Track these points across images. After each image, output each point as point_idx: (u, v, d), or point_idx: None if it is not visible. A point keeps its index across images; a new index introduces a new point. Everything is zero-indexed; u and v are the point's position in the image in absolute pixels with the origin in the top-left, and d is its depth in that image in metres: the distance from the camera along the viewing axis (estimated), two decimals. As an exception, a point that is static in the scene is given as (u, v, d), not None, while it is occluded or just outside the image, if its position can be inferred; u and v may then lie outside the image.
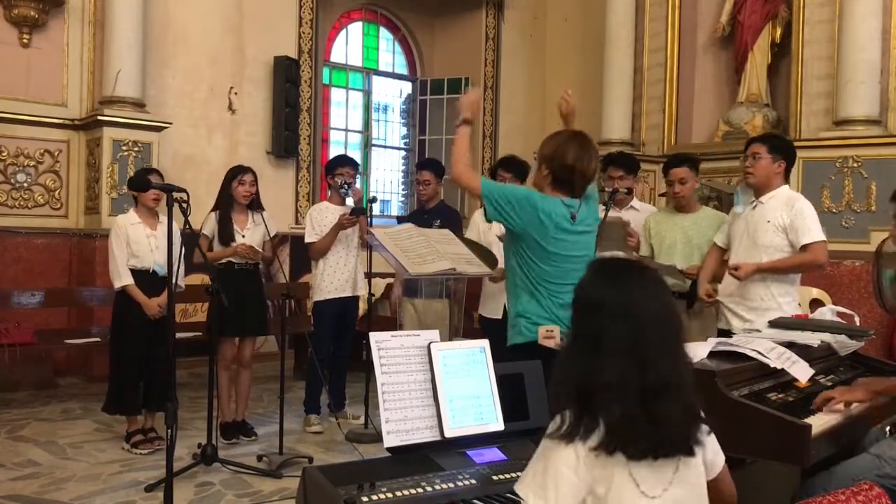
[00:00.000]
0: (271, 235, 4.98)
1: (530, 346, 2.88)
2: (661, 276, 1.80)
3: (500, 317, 4.65)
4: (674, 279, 4.14)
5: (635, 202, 4.90)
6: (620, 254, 4.40)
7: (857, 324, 3.65)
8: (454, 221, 5.23)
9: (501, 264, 4.35)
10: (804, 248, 3.75)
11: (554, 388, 1.68)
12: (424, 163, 5.77)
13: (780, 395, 2.57)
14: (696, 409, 1.64)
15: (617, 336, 1.60)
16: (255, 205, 4.95)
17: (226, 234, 4.82)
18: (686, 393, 1.62)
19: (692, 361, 1.73)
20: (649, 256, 4.50)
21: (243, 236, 4.86)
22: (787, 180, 3.96)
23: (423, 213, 5.32)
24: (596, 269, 1.74)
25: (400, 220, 5.62)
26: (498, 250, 4.52)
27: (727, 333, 3.74)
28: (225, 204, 4.88)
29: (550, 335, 2.87)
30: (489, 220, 3.18)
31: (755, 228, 3.85)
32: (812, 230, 3.75)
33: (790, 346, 2.84)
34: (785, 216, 3.78)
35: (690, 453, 1.63)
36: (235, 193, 4.87)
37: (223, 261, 4.79)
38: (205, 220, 4.91)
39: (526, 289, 2.99)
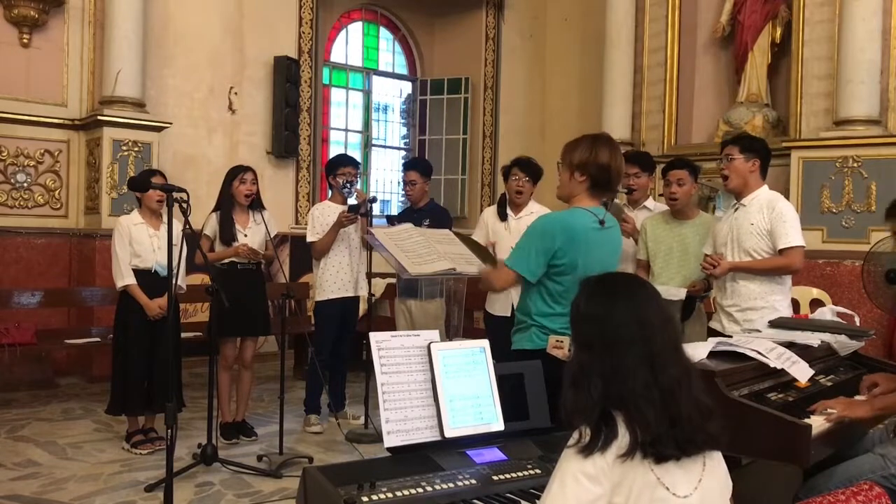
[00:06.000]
0: (272, 235, 4.98)
1: (537, 354, 2.85)
2: (648, 283, 1.85)
3: (508, 314, 4.62)
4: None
5: (649, 202, 4.83)
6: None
7: (857, 324, 3.64)
8: (444, 220, 5.22)
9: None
10: (781, 252, 3.74)
11: (572, 402, 1.67)
12: (410, 163, 5.73)
13: (780, 395, 2.57)
14: (709, 405, 1.68)
15: (633, 344, 1.64)
16: (255, 204, 4.96)
17: (227, 234, 4.82)
18: (696, 390, 1.66)
19: (692, 361, 1.75)
20: (644, 260, 4.47)
21: (245, 235, 4.86)
22: (764, 179, 3.92)
23: (412, 213, 5.32)
24: (593, 286, 1.78)
25: (389, 218, 5.59)
26: (502, 248, 4.52)
27: (718, 334, 3.74)
28: (226, 204, 4.88)
29: (559, 345, 2.85)
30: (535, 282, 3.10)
31: (739, 232, 3.84)
32: (790, 235, 3.72)
33: (790, 346, 2.84)
34: (766, 219, 3.77)
35: (715, 446, 1.67)
36: (237, 193, 4.87)
37: (226, 261, 4.79)
38: (206, 220, 4.90)
39: (544, 300, 2.96)
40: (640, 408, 1.59)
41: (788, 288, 3.92)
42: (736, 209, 3.89)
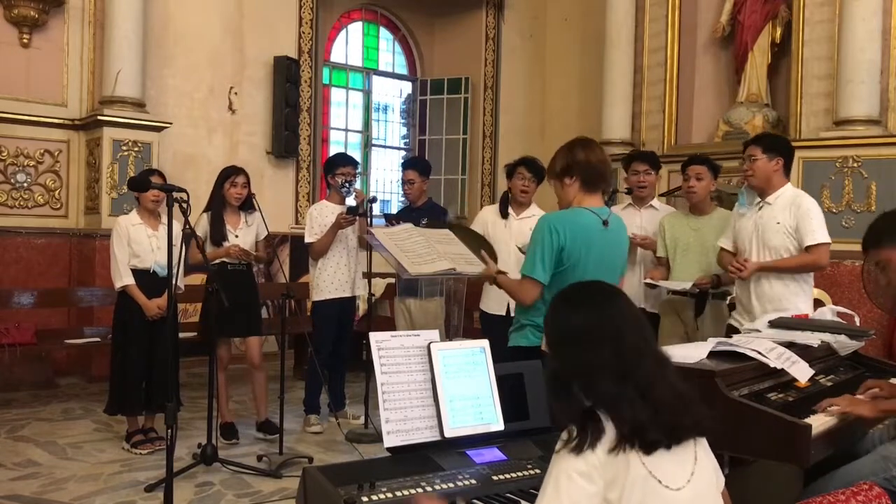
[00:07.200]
0: (264, 236, 4.97)
1: (532, 351, 2.88)
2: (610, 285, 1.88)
3: (503, 313, 4.62)
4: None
5: (654, 201, 4.88)
6: None
7: (857, 324, 3.64)
8: (442, 219, 5.21)
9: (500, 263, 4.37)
10: (808, 249, 3.78)
11: (556, 409, 1.71)
12: (408, 162, 5.73)
13: (780, 395, 2.57)
14: (688, 390, 1.70)
15: (599, 346, 1.66)
16: (247, 205, 4.95)
17: (218, 234, 4.81)
18: (672, 377, 1.69)
19: (667, 356, 1.77)
20: (665, 258, 4.49)
21: (236, 236, 4.86)
22: (788, 177, 3.96)
23: (411, 212, 5.31)
24: (558, 299, 1.82)
25: (387, 217, 5.61)
26: (501, 247, 4.52)
27: (738, 331, 3.73)
28: (217, 204, 4.88)
29: None
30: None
31: (764, 230, 3.87)
32: (816, 232, 3.78)
33: (790, 346, 2.84)
34: (792, 217, 3.81)
35: (703, 432, 1.68)
36: (227, 195, 4.87)
37: (216, 261, 4.77)
38: (197, 220, 4.89)
39: (544, 300, 2.97)
40: (617, 407, 1.61)
41: (811, 288, 3.94)
42: (760, 207, 3.91)
